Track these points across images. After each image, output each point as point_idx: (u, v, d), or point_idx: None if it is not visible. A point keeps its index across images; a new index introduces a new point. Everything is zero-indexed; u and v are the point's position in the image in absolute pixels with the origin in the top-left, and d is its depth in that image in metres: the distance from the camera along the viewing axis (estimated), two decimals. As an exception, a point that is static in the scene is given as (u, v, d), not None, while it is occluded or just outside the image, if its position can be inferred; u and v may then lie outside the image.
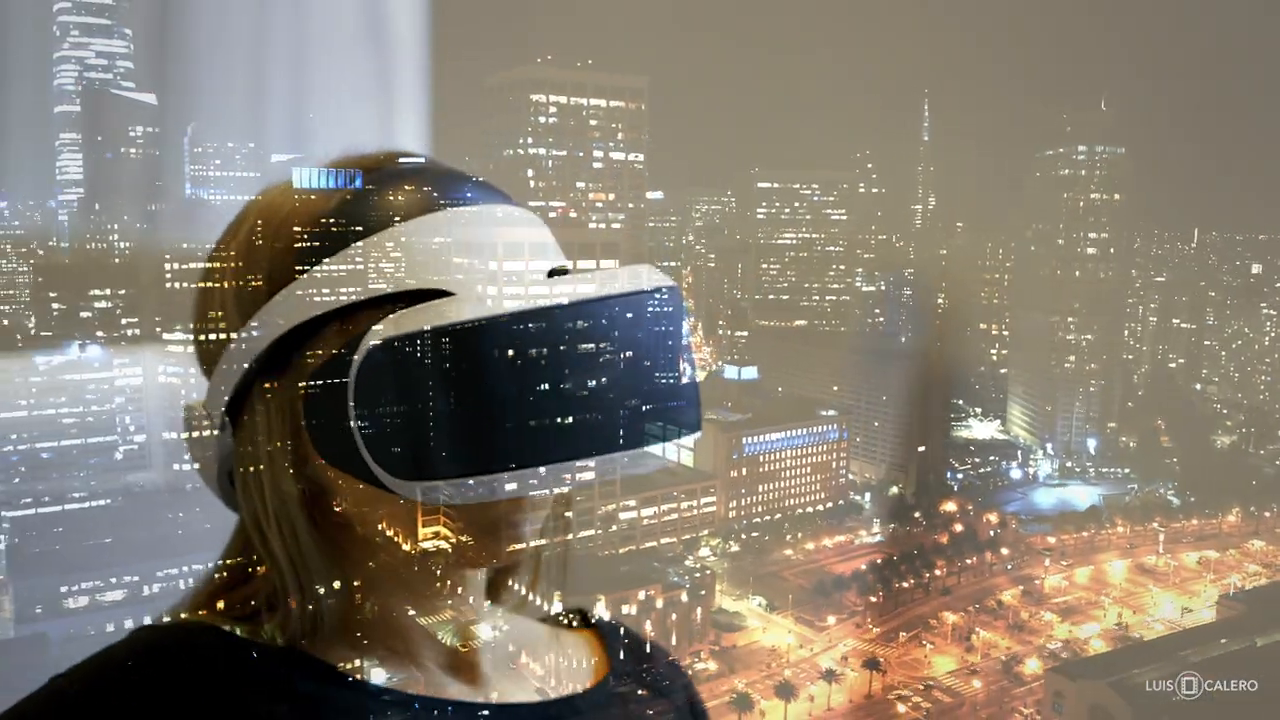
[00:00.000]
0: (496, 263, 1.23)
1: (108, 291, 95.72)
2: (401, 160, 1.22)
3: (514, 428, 1.07)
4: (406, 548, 1.17)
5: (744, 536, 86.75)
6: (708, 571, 73.91)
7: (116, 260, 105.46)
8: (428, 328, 1.03)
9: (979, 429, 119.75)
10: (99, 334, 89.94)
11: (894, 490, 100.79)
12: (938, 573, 79.44)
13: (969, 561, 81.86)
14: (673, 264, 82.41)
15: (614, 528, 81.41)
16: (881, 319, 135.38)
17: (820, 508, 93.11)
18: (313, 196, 1.20)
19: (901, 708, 58.58)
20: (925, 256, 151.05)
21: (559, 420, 1.13)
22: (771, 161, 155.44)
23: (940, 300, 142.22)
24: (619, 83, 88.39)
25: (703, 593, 67.79)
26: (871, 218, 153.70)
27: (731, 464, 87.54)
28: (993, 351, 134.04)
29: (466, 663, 1.29)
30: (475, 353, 1.08)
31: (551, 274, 1.33)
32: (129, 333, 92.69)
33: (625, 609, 63.40)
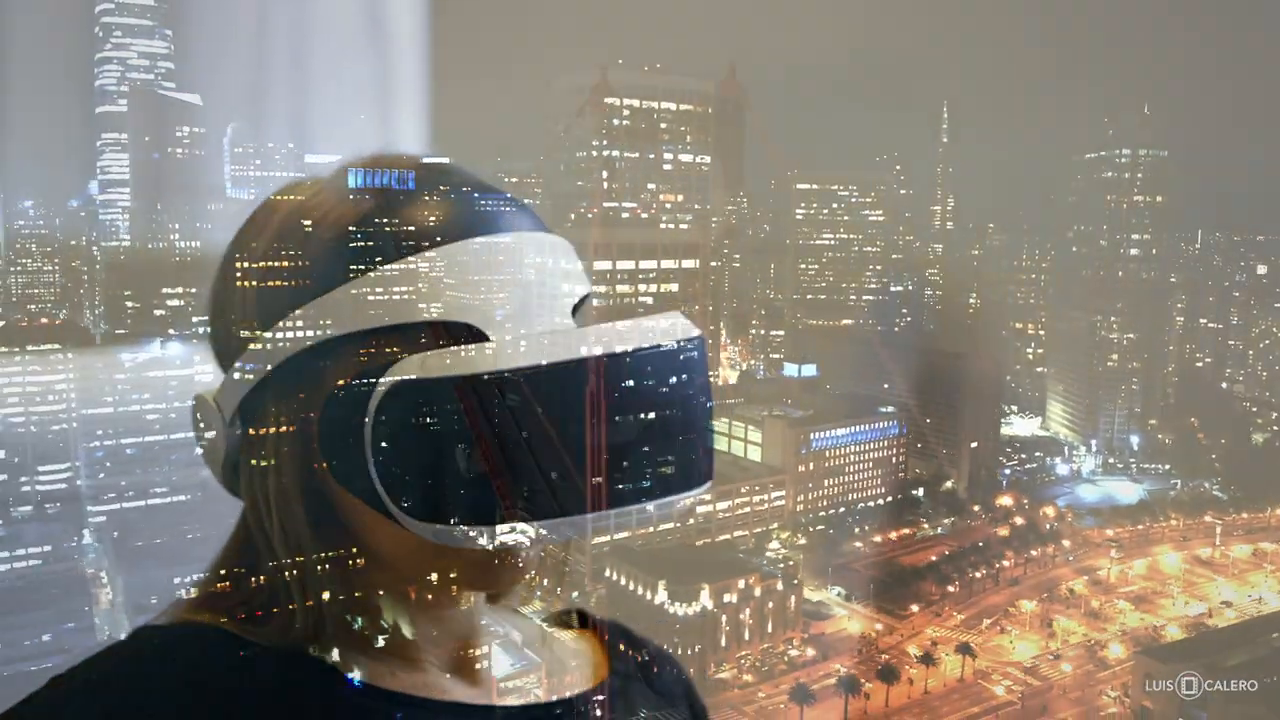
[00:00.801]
0: (532, 299, 1.11)
1: (179, 290, 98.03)
2: (435, 170, 1.20)
3: (539, 484, 1.05)
4: (408, 562, 1.15)
5: (812, 529, 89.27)
6: (790, 563, 76.37)
7: (184, 259, 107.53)
8: (458, 375, 1.01)
9: (1020, 426, 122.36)
10: (171, 331, 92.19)
11: (948, 485, 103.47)
12: (1006, 563, 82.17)
13: (1033, 553, 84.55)
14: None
15: (691, 521, 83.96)
16: (908, 318, 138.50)
17: (880, 501, 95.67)
18: (348, 204, 1.16)
19: (999, 689, 61.11)
20: (956, 257, 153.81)
21: (584, 476, 1.01)
22: (799, 163, 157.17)
23: (973, 299, 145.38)
24: (687, 86, 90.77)
25: (795, 581, 70.36)
26: (901, 219, 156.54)
27: (799, 459, 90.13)
28: (1029, 350, 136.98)
29: (468, 664, 1.20)
30: (502, 404, 1.00)
31: (576, 309, 1.24)
32: (201, 330, 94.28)
33: (726, 597, 66.01)
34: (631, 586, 67.32)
